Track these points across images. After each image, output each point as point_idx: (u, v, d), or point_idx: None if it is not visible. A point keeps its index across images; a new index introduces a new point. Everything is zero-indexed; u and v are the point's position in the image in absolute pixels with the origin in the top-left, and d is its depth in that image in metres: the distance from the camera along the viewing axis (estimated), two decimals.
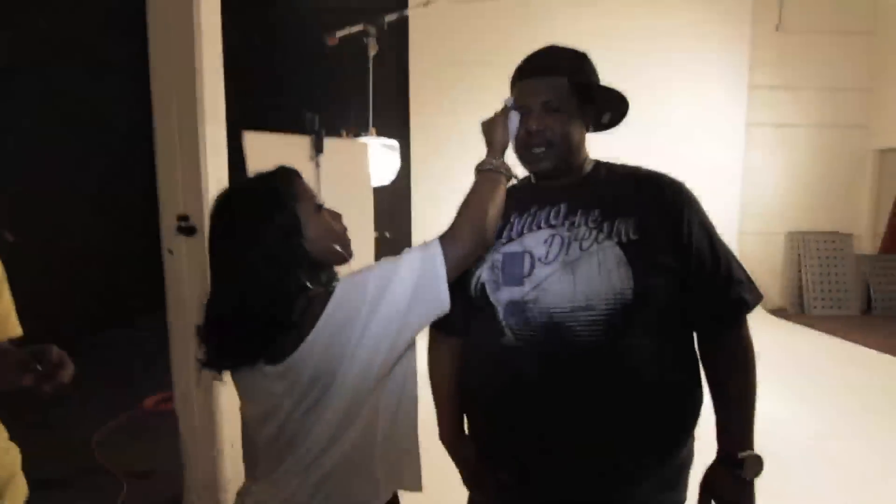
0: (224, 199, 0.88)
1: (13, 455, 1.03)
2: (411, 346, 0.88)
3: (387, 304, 0.80)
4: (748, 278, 0.93)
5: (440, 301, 0.82)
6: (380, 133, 3.07)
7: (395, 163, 2.68)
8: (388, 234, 4.57)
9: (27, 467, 1.04)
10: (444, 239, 0.85)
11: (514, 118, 0.98)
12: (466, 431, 1.05)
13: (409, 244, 4.50)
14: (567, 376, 0.88)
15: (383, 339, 0.80)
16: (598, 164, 1.01)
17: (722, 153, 5.16)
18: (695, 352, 0.95)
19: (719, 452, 0.93)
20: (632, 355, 0.87)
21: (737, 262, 0.94)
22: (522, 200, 0.97)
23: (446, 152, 4.65)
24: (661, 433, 0.91)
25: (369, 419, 0.84)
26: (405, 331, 0.82)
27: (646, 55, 4.78)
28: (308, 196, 0.90)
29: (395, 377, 0.87)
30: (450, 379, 1.03)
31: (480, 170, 0.95)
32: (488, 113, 1.02)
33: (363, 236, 2.23)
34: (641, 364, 0.88)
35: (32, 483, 1.04)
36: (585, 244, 0.89)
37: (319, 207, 0.90)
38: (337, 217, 0.93)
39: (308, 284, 0.84)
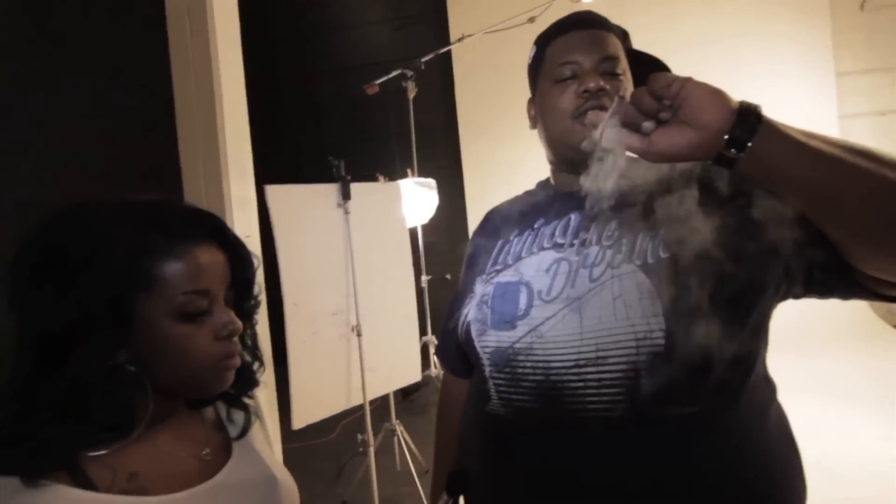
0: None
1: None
2: None
3: None
4: None
5: None
6: (430, 173, 2.99)
7: (432, 201, 2.56)
8: (448, 276, 4.43)
9: None
10: None
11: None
12: None
13: None
14: (571, 466, 0.59)
15: None
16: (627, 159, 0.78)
17: None
18: (778, 409, 0.63)
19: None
20: (670, 434, 0.57)
21: None
22: (526, 212, 0.74)
23: (500, 185, 4.47)
24: None
25: None
26: None
27: (717, 56, 4.39)
28: (184, 281, 0.52)
29: None
30: (445, 431, 0.83)
31: None
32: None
33: (400, 279, 2.10)
34: (689, 447, 0.57)
35: None
36: (596, 271, 0.64)
37: (196, 313, 0.52)
38: (222, 328, 0.53)
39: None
